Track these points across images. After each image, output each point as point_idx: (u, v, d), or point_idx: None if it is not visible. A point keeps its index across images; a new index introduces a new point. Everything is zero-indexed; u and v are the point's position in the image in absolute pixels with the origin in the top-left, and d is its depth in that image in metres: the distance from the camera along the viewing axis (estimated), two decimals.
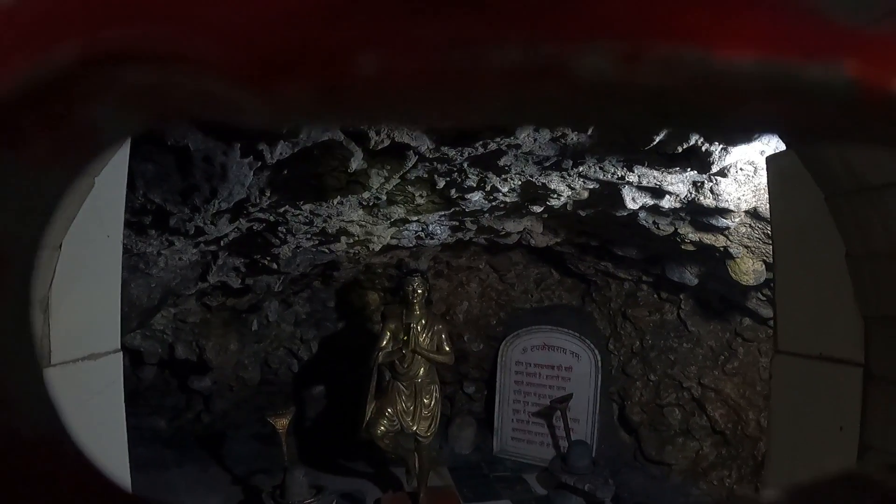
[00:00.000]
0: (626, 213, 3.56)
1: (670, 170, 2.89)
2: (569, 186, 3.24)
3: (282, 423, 4.52)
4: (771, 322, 4.53)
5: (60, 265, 1.31)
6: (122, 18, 0.15)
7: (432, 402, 4.47)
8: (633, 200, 3.28)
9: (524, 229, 4.45)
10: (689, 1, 0.15)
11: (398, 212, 3.48)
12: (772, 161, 1.92)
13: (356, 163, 2.54)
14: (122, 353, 1.60)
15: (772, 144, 2.51)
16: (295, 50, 0.15)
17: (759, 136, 2.43)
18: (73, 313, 1.39)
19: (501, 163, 2.81)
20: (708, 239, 3.73)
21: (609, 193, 3.31)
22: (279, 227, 3.45)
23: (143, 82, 0.15)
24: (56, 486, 0.18)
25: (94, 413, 1.48)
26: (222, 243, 3.48)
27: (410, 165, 2.73)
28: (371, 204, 3.29)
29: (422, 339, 4.36)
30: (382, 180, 2.82)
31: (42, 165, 0.16)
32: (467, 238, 4.58)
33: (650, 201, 3.30)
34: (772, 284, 3.87)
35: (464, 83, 0.15)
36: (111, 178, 1.50)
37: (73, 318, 1.39)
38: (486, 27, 0.15)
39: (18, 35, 0.15)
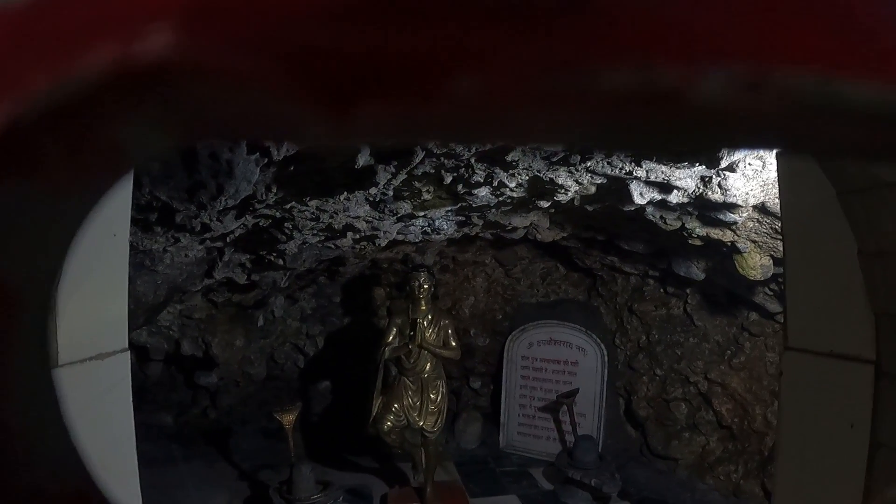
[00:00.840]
0: (633, 208, 3.53)
1: (678, 165, 2.87)
2: (576, 181, 3.22)
3: (288, 419, 4.52)
4: (778, 317, 4.51)
5: (67, 264, 1.30)
6: (163, 25, 0.13)
7: (438, 398, 4.46)
8: (641, 195, 3.26)
9: (531, 224, 4.43)
10: (809, 26, 0.14)
11: (405, 207, 3.46)
12: (782, 157, 1.90)
13: (363, 159, 2.53)
14: (129, 352, 1.60)
15: None
16: (375, 66, 0.13)
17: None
18: (80, 313, 1.39)
19: (509, 158, 2.79)
20: (715, 234, 3.70)
21: (617, 188, 3.29)
22: (285, 224, 3.44)
23: (183, 98, 0.13)
24: None
25: (103, 412, 1.48)
26: (228, 240, 3.47)
27: (417, 161, 2.71)
28: (377, 200, 3.28)
29: (428, 335, 4.35)
30: (389, 176, 2.81)
31: (60, 192, 0.14)
32: (473, 233, 4.56)
33: (658, 196, 3.28)
34: (779, 279, 3.86)
35: (569, 106, 0.14)
36: None
37: (81, 317, 1.38)
38: (600, 48, 0.13)
39: (38, 45, 0.13)
